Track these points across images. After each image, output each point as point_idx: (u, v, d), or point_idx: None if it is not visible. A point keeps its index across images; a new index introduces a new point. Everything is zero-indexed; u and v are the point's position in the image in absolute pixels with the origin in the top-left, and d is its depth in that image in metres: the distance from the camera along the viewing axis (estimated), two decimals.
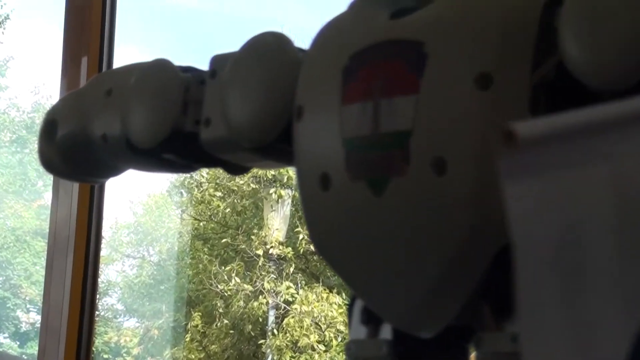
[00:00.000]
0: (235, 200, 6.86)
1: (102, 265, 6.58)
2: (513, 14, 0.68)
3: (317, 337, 6.24)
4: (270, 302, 6.49)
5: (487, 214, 0.65)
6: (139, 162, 0.94)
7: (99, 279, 2.50)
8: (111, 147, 0.93)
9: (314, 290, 6.41)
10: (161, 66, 0.91)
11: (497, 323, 0.67)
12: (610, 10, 0.62)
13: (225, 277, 6.56)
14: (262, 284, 6.48)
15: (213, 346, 6.59)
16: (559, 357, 0.53)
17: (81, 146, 0.96)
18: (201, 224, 7.06)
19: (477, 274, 0.67)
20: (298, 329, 6.23)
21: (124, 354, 7.29)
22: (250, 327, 6.48)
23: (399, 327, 0.73)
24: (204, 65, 0.90)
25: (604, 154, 0.51)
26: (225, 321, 6.54)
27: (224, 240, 6.82)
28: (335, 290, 6.32)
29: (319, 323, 6.28)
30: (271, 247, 6.49)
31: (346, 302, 5.37)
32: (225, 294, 6.56)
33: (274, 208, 6.57)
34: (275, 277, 6.54)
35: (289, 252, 6.48)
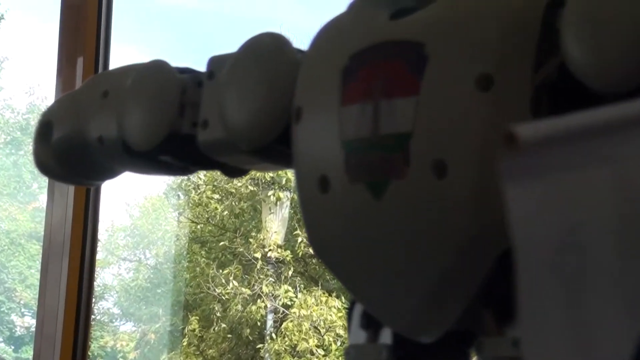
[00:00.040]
0: (233, 203, 6.86)
1: (98, 269, 6.58)
2: (514, 14, 0.67)
3: (316, 341, 6.24)
4: (268, 305, 6.49)
5: (488, 217, 0.64)
6: (136, 165, 0.94)
7: (95, 283, 2.49)
8: (107, 149, 0.93)
9: (313, 293, 6.41)
10: (158, 67, 0.91)
11: (498, 327, 0.67)
12: (613, 11, 0.62)
13: (223, 281, 6.55)
14: (261, 288, 6.48)
15: (210, 350, 6.59)
16: None
17: (77, 148, 0.96)
18: (198, 226, 7.06)
19: (478, 277, 0.67)
20: (297, 333, 6.23)
21: (120, 359, 7.29)
22: (248, 331, 6.48)
23: (399, 331, 0.73)
24: (202, 66, 0.90)
25: (606, 157, 0.52)
26: (223, 325, 6.54)
27: (221, 243, 6.81)
28: (334, 294, 6.32)
29: (318, 327, 6.28)
30: (269, 250, 6.49)
31: (345, 305, 5.36)
32: (223, 298, 6.56)
33: (272, 211, 6.57)
34: (273, 280, 6.54)
35: (287, 255, 6.48)
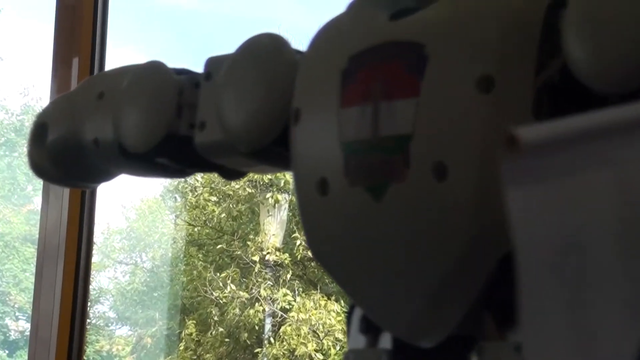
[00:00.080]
0: (230, 205, 6.86)
1: (93, 272, 6.57)
2: (516, 15, 0.68)
3: (314, 345, 6.23)
4: (266, 309, 6.49)
5: (489, 220, 0.65)
6: (132, 167, 0.94)
7: (90, 286, 2.50)
8: (103, 151, 0.93)
9: (312, 297, 6.41)
10: (154, 68, 0.91)
11: (499, 332, 0.67)
12: (615, 11, 0.62)
13: (221, 284, 6.55)
14: (259, 291, 6.48)
15: (208, 355, 6.58)
16: None
17: (72, 150, 0.96)
18: (196, 229, 7.05)
19: (479, 281, 0.67)
20: (295, 338, 6.23)
21: None
22: (246, 335, 6.48)
23: (399, 336, 0.73)
24: (200, 67, 0.90)
25: (607, 159, 0.52)
26: (221, 329, 6.54)
27: (219, 246, 6.81)
28: (333, 298, 6.32)
29: (317, 331, 6.27)
30: (268, 253, 6.48)
31: (345, 309, 5.36)
32: (221, 302, 6.56)
33: (270, 213, 6.57)
34: (271, 284, 6.54)
35: (286, 259, 6.48)
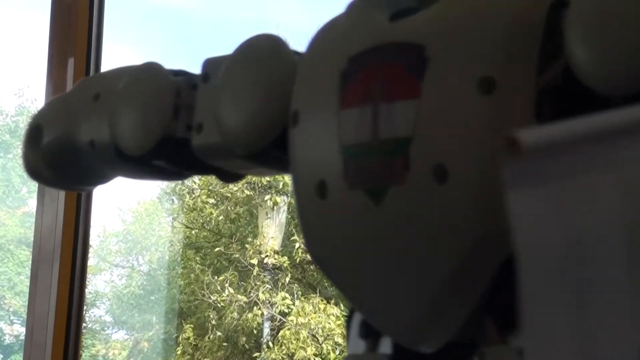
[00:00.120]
0: (228, 208, 6.86)
1: (89, 275, 6.56)
2: (517, 15, 0.68)
3: (314, 350, 6.23)
4: (265, 313, 6.49)
5: (491, 223, 0.64)
6: (129, 170, 0.94)
7: (86, 290, 2.49)
8: (99, 153, 0.93)
9: (311, 301, 6.40)
10: (151, 70, 0.91)
11: (501, 336, 0.67)
12: (618, 11, 0.62)
13: (219, 288, 6.55)
14: (257, 295, 6.47)
15: (205, 359, 6.58)
16: None
17: (68, 153, 0.96)
18: (193, 232, 7.05)
19: (480, 285, 0.67)
20: (294, 342, 6.23)
21: None
22: (244, 339, 6.47)
23: (399, 341, 0.73)
24: (198, 67, 0.90)
25: (611, 162, 0.52)
26: (219, 333, 6.54)
27: (217, 249, 6.81)
28: (333, 301, 6.32)
29: (316, 335, 6.27)
30: (266, 256, 6.48)
31: (344, 313, 5.36)
32: (218, 305, 6.56)
33: (269, 215, 6.57)
34: (270, 287, 6.53)
35: (284, 262, 6.47)
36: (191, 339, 6.55)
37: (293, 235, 6.44)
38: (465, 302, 0.68)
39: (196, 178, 6.51)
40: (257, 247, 6.56)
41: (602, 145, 0.52)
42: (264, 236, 6.56)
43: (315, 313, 6.30)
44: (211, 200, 6.92)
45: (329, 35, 0.78)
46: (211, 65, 0.87)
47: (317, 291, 6.44)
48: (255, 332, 6.49)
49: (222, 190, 6.79)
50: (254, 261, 6.49)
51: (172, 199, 7.32)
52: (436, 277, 0.68)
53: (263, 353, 6.40)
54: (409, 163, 0.67)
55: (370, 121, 0.70)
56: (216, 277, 6.60)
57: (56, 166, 0.98)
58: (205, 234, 7.02)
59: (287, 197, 6.43)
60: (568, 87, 0.65)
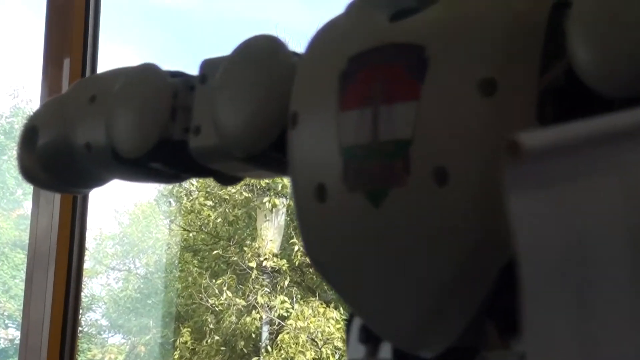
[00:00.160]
0: (226, 210, 6.86)
1: (85, 279, 6.57)
2: (519, 15, 0.67)
3: (313, 354, 6.23)
4: (263, 317, 6.49)
5: (492, 226, 0.64)
6: (125, 172, 0.94)
7: (82, 293, 2.49)
8: (95, 156, 0.93)
9: (310, 304, 6.41)
10: (148, 71, 0.91)
11: (503, 341, 0.68)
12: (622, 11, 0.62)
13: (216, 291, 6.55)
14: (255, 298, 6.47)
15: None
16: None
17: (63, 155, 0.96)
18: (191, 234, 7.05)
19: (482, 289, 0.67)
20: (293, 346, 6.23)
21: None
22: (242, 343, 6.47)
23: (399, 346, 0.73)
24: (196, 67, 0.90)
25: (614, 164, 0.52)
26: (216, 337, 6.54)
27: (214, 252, 6.81)
28: (332, 305, 6.32)
29: (316, 339, 6.27)
30: (265, 259, 6.48)
31: (344, 317, 5.36)
32: (216, 309, 6.56)
33: (267, 218, 6.57)
34: (269, 290, 6.54)
35: (283, 265, 6.48)
36: (189, 343, 6.55)
37: (292, 238, 6.45)
38: (467, 306, 0.68)
39: (194, 180, 6.51)
40: (256, 250, 6.56)
41: (604, 148, 0.52)
42: (262, 239, 6.56)
43: (314, 317, 6.30)
44: (209, 203, 6.92)
45: (329, 35, 0.78)
46: (209, 66, 0.87)
47: (317, 295, 6.44)
48: (253, 336, 6.49)
49: (220, 192, 6.79)
50: (253, 264, 6.49)
51: (170, 201, 7.32)
52: (437, 281, 0.68)
53: (262, 357, 6.40)
54: (409, 165, 0.67)
55: (370, 123, 0.70)
56: (214, 281, 6.61)
57: (51, 169, 0.98)
58: (203, 236, 7.02)
59: (286, 199, 6.43)
60: (570, 88, 0.65)
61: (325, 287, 6.19)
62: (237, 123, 0.81)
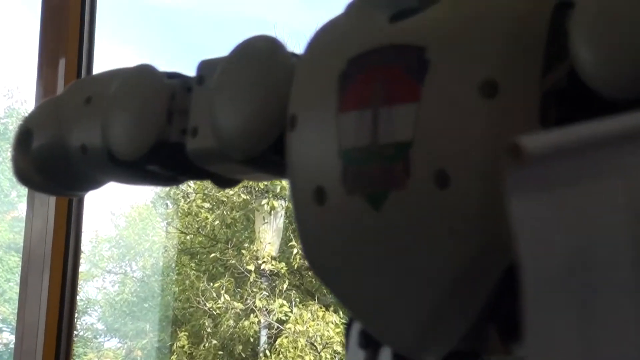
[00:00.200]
0: (224, 212, 6.85)
1: (81, 282, 6.56)
2: (521, 16, 0.67)
3: (312, 358, 6.23)
4: (262, 321, 6.48)
5: (493, 229, 0.65)
6: (121, 175, 0.94)
7: (78, 297, 2.49)
8: (91, 158, 0.93)
9: (309, 308, 6.40)
10: (145, 72, 0.91)
11: (504, 346, 0.68)
12: (625, 12, 0.62)
13: (214, 295, 6.54)
14: (254, 302, 6.47)
15: None
16: None
17: (58, 157, 0.96)
18: (188, 237, 7.05)
19: (483, 293, 0.67)
20: (292, 350, 6.23)
21: None
22: (240, 348, 6.47)
23: (399, 351, 0.73)
24: (193, 67, 0.90)
25: (617, 167, 0.52)
26: (214, 341, 6.53)
27: (212, 254, 6.80)
28: (332, 309, 6.31)
29: (315, 343, 6.27)
30: (263, 262, 6.48)
31: (343, 321, 5.36)
32: (214, 313, 6.55)
33: (266, 220, 6.56)
34: (267, 294, 6.53)
35: (282, 268, 6.47)
36: (186, 347, 6.54)
37: (291, 240, 6.44)
38: (468, 311, 0.68)
39: (191, 182, 6.51)
40: (254, 253, 6.55)
41: (607, 150, 0.52)
42: (260, 241, 6.56)
43: (313, 321, 6.30)
44: (206, 205, 6.92)
45: (328, 36, 0.78)
46: (206, 67, 0.87)
47: (316, 298, 6.43)
48: (251, 340, 6.49)
49: (217, 194, 6.78)
50: (251, 267, 6.48)
51: (167, 204, 7.32)
52: (437, 284, 0.68)
53: None
54: (409, 168, 0.67)
55: (369, 124, 0.70)
56: (212, 284, 6.60)
57: (46, 171, 0.98)
58: (200, 239, 7.01)
59: (285, 201, 6.42)
60: (573, 90, 0.65)
61: (325, 291, 6.18)
62: (235, 125, 0.82)
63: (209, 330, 6.56)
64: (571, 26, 0.65)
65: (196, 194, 6.89)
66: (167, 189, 6.80)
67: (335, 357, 6.18)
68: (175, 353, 6.56)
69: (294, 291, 6.58)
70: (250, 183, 6.22)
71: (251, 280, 6.48)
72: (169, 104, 0.89)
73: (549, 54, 0.66)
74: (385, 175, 0.69)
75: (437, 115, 0.67)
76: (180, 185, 6.64)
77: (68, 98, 0.99)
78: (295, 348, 6.23)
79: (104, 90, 0.93)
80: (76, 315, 2.22)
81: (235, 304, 6.48)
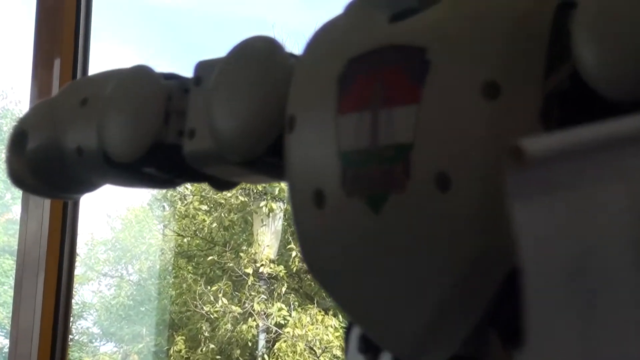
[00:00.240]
0: (222, 214, 6.85)
1: (76, 285, 6.56)
2: (523, 16, 0.67)
3: None
4: (260, 325, 6.48)
5: (495, 234, 0.64)
6: (117, 177, 0.94)
7: (73, 300, 2.49)
8: (86, 160, 0.93)
9: (308, 312, 6.40)
10: (141, 73, 0.92)
11: (506, 352, 0.68)
12: (628, 12, 0.62)
13: (212, 298, 6.54)
14: (252, 306, 6.47)
15: None
16: None
17: (53, 160, 0.96)
18: (185, 240, 7.05)
19: (484, 297, 0.67)
20: (291, 355, 6.23)
21: None
22: (238, 352, 6.47)
23: (399, 356, 0.73)
24: (191, 68, 0.90)
25: (620, 171, 0.52)
26: (212, 346, 6.53)
27: (210, 257, 6.80)
28: (331, 312, 6.31)
29: (314, 348, 6.27)
30: (261, 265, 6.48)
31: (343, 325, 5.36)
32: (212, 316, 6.55)
33: (264, 223, 6.56)
34: (265, 297, 6.53)
35: (280, 271, 6.47)
36: (183, 351, 6.54)
37: (290, 243, 6.44)
38: (469, 314, 0.68)
39: (188, 184, 6.51)
40: (252, 256, 6.55)
41: (610, 153, 0.52)
42: (259, 244, 6.56)
43: (312, 325, 6.30)
44: (204, 207, 6.92)
45: (327, 37, 0.78)
46: (204, 68, 0.87)
47: (315, 302, 6.43)
48: (250, 344, 6.49)
49: (215, 196, 6.78)
50: (249, 270, 6.48)
51: (163, 206, 7.31)
52: (438, 288, 0.68)
53: None
54: (410, 170, 0.67)
55: (369, 127, 0.70)
56: (209, 287, 6.60)
57: (41, 173, 0.98)
58: (197, 242, 7.01)
59: (284, 203, 6.42)
60: (576, 92, 0.65)
61: (324, 294, 6.17)
62: (233, 126, 0.82)
63: (206, 334, 6.56)
64: (574, 26, 0.64)
65: (193, 196, 6.89)
66: (164, 191, 6.79)
67: None
68: (172, 357, 6.56)
69: (292, 294, 6.58)
70: (249, 185, 6.22)
71: (249, 283, 6.48)
72: (165, 105, 0.89)
73: (551, 54, 0.66)
74: (385, 177, 0.69)
75: (438, 117, 0.67)
76: (177, 187, 6.64)
77: (63, 99, 0.99)
78: (294, 352, 6.23)
79: (100, 92, 0.93)
80: (71, 319, 2.22)
81: (233, 307, 6.48)
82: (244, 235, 6.87)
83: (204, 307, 6.54)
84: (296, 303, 6.56)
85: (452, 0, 0.71)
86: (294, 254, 6.33)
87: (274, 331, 6.45)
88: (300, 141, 0.76)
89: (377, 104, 0.70)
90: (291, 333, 6.28)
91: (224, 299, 6.49)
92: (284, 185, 5.92)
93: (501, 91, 0.65)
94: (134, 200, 7.74)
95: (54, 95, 1.03)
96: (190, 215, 6.94)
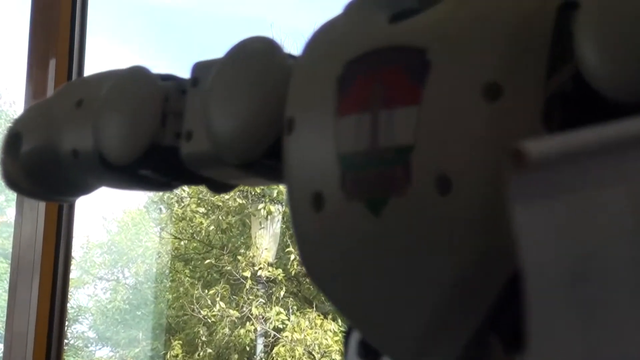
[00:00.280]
0: (219, 217, 6.85)
1: (71, 289, 6.55)
2: (525, 17, 0.67)
3: None
4: (258, 329, 6.48)
5: (497, 237, 0.64)
6: (113, 179, 0.94)
7: (68, 304, 2.49)
8: (82, 163, 0.93)
9: (307, 316, 6.40)
10: (137, 74, 0.92)
11: (507, 356, 0.68)
12: (631, 13, 0.62)
13: (209, 302, 6.54)
14: (250, 309, 6.47)
15: None
16: None
17: (48, 162, 0.96)
18: (182, 243, 7.04)
19: (485, 302, 0.67)
20: (289, 359, 6.22)
21: None
22: (236, 356, 6.47)
23: None
24: (188, 68, 0.90)
25: (622, 174, 0.52)
26: (209, 350, 6.53)
27: (207, 261, 6.80)
28: (330, 317, 6.31)
29: (313, 352, 6.26)
30: (260, 268, 6.48)
31: (342, 329, 5.35)
32: (209, 320, 6.55)
33: (262, 225, 6.56)
34: (264, 301, 6.53)
35: (279, 274, 6.47)
36: (180, 356, 6.54)
37: (288, 246, 6.44)
38: (469, 320, 0.68)
39: (185, 186, 6.50)
40: (250, 259, 6.55)
41: (612, 156, 0.52)
42: (257, 247, 6.56)
43: (311, 329, 6.30)
44: (201, 210, 6.91)
45: (326, 37, 0.78)
46: (201, 69, 0.87)
47: (314, 306, 6.43)
48: (248, 349, 6.48)
49: (212, 198, 6.78)
50: (247, 274, 6.48)
51: (160, 208, 7.31)
52: (438, 292, 0.68)
53: None
54: (410, 172, 0.67)
55: (369, 128, 0.70)
56: (206, 291, 6.60)
57: (36, 176, 0.98)
58: (195, 245, 7.01)
59: (282, 206, 6.42)
60: (578, 93, 0.65)
61: (323, 298, 6.17)
62: (231, 128, 0.82)
63: (203, 338, 6.55)
64: (576, 27, 0.64)
65: (191, 198, 6.89)
66: (161, 193, 6.79)
67: None
68: None
69: (291, 298, 6.58)
70: (246, 187, 6.22)
71: (247, 287, 6.47)
72: (162, 107, 0.89)
73: (553, 55, 0.66)
74: (385, 180, 0.69)
75: (439, 118, 0.67)
76: (174, 190, 6.64)
77: (58, 101, 0.99)
78: (292, 357, 6.22)
79: (96, 93, 0.93)
80: (67, 323, 2.22)
81: (231, 311, 6.48)
82: (242, 238, 6.86)
83: (202, 311, 6.54)
84: (295, 307, 6.56)
85: (452, 1, 0.71)
86: (292, 257, 6.33)
87: (272, 335, 6.44)
88: (299, 143, 0.76)
89: (377, 105, 0.70)
90: (290, 337, 6.28)
91: (221, 303, 6.48)
92: (282, 187, 5.91)
93: (502, 92, 0.65)
94: (130, 202, 7.75)
95: (49, 97, 1.03)
96: (188, 218, 6.94)
